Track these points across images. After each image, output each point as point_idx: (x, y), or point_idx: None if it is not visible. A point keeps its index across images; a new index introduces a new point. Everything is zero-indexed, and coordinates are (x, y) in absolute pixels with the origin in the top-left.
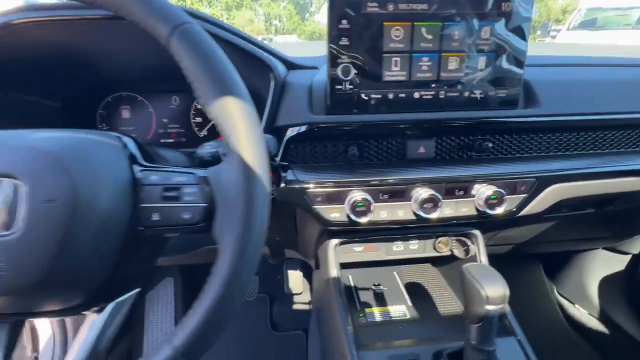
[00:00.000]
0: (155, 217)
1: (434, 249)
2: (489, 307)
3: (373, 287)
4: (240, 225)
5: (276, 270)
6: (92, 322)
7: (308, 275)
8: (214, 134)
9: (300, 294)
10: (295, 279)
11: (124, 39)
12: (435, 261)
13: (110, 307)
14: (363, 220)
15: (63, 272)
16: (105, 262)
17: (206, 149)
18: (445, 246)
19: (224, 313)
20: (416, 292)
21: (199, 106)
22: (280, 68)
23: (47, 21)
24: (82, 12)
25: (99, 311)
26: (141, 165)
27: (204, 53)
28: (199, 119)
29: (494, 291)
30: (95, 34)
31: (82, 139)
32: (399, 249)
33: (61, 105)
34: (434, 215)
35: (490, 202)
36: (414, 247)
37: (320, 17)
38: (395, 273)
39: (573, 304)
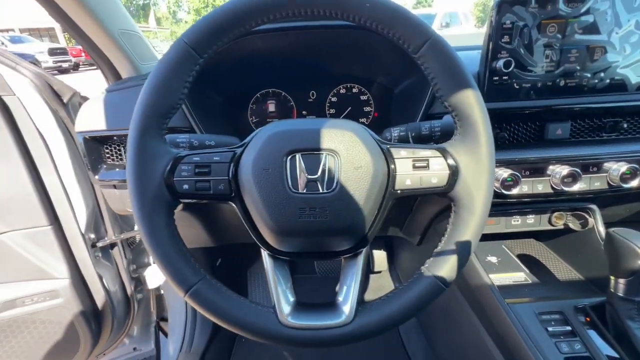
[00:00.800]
0: (408, 182)
1: (549, 222)
2: None
3: (489, 258)
4: (486, 181)
5: None
6: (353, 265)
7: (390, 254)
8: None
9: (380, 272)
10: (380, 259)
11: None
12: (539, 235)
13: (364, 252)
14: (512, 192)
15: (358, 221)
16: (372, 215)
17: (394, 133)
18: (560, 220)
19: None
20: (528, 261)
21: (333, 99)
22: None
23: (279, 31)
24: (302, 23)
25: (354, 257)
26: (385, 143)
27: (449, 59)
28: (332, 110)
29: None
30: (288, 40)
31: (361, 125)
32: (517, 222)
33: (223, 100)
34: (574, 188)
35: (625, 176)
36: (530, 221)
37: None
38: (503, 246)
39: None
